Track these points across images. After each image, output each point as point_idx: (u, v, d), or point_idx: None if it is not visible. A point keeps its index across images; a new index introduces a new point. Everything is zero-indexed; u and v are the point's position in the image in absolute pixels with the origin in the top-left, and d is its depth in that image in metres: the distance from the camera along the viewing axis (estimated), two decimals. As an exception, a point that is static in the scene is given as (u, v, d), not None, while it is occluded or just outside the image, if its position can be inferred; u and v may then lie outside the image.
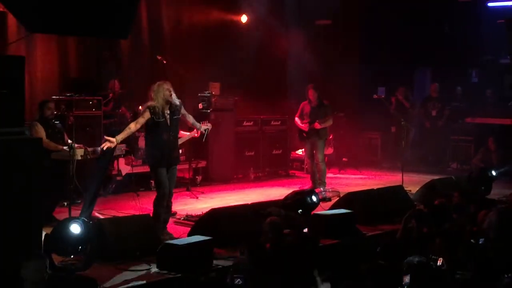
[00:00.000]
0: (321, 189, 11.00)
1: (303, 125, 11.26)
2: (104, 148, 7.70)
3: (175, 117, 8.04)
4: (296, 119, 11.46)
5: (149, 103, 7.92)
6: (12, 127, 6.15)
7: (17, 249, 5.92)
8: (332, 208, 9.14)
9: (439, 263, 5.83)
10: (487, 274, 5.30)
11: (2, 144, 5.98)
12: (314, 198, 8.80)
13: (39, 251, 6.00)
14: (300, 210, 8.38)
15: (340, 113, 13.58)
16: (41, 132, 8.65)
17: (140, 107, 11.17)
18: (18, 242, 5.96)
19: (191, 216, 8.96)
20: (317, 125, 11.13)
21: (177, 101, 8.02)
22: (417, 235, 6.74)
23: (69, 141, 8.96)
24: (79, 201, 9.15)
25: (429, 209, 7.47)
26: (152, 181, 10.25)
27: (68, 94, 10.60)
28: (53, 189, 8.51)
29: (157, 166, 7.95)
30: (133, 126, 7.87)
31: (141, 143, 10.48)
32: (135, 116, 11.28)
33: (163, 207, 7.93)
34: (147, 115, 7.85)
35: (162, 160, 7.94)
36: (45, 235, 6.32)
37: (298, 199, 8.64)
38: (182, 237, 7.71)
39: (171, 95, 7.90)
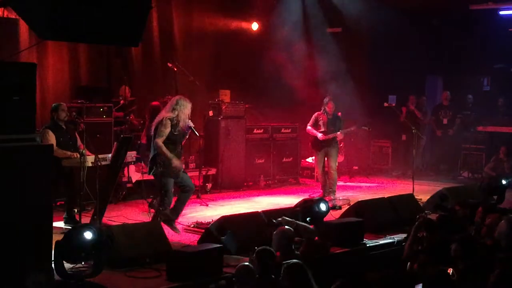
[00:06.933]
0: (332, 197, 10.97)
1: (319, 134, 11.25)
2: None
3: (185, 131, 8.45)
4: (309, 127, 11.43)
5: (169, 115, 8.17)
6: (23, 134, 6.17)
7: (27, 256, 5.94)
8: (342, 216, 9.11)
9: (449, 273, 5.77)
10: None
11: (13, 151, 6.00)
12: (323, 207, 8.75)
13: (44, 264, 6.01)
14: (309, 218, 8.34)
15: (364, 126, 13.60)
16: (52, 139, 8.61)
17: (146, 116, 11.30)
18: (28, 249, 5.96)
19: (201, 223, 8.95)
20: (340, 135, 11.27)
21: (191, 124, 8.43)
22: (428, 244, 6.69)
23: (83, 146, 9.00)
24: (89, 208, 9.18)
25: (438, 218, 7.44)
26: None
27: (79, 101, 10.63)
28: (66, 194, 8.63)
29: (167, 175, 8.33)
30: (160, 142, 8.17)
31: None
32: (144, 124, 11.36)
33: (168, 209, 8.41)
34: (168, 126, 8.17)
35: (171, 171, 8.30)
36: (56, 241, 6.33)
37: (308, 207, 8.60)
38: (192, 244, 7.71)
39: (188, 117, 8.37)
